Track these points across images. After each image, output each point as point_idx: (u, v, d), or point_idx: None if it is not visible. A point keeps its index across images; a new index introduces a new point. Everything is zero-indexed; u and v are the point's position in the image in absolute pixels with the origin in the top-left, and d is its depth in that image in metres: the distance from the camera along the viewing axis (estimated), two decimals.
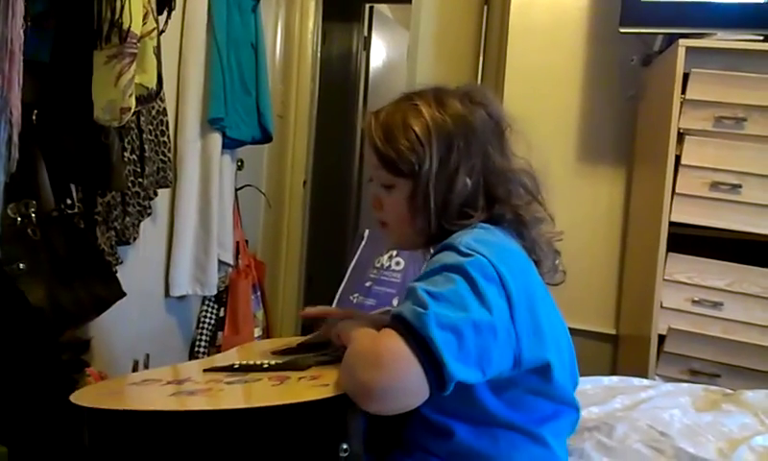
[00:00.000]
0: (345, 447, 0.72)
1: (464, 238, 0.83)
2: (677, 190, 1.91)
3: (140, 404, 0.86)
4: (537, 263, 0.93)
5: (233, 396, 0.85)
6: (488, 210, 0.90)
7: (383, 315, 1.03)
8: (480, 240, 0.83)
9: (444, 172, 0.89)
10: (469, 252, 0.80)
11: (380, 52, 3.83)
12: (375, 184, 0.96)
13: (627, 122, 2.36)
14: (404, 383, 0.72)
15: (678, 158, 1.91)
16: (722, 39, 1.94)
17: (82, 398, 0.79)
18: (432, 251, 0.93)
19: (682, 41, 1.90)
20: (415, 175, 0.90)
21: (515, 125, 0.96)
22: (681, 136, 1.92)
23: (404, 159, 0.90)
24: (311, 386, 0.81)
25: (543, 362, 0.84)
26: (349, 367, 0.76)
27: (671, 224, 1.92)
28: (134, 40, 1.21)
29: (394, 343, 0.73)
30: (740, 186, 1.87)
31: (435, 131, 0.89)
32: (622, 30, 2.07)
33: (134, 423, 0.76)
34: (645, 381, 1.50)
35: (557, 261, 0.96)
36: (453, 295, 0.75)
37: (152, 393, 0.88)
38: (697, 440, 1.14)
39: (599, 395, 1.36)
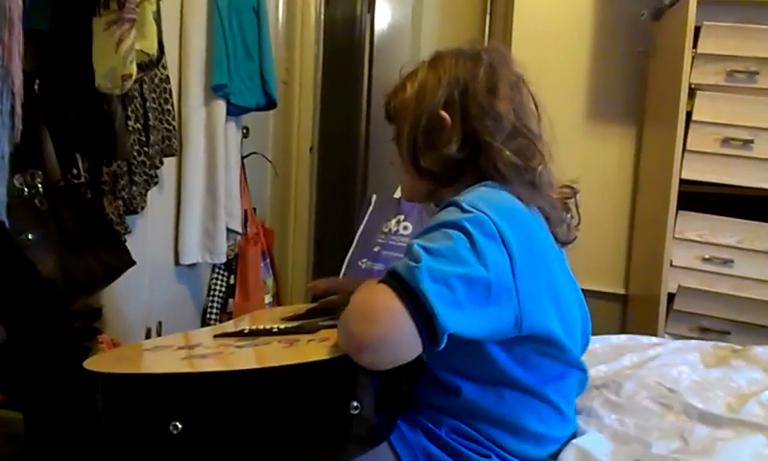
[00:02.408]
0: (355, 404, 0.73)
1: (468, 196, 0.83)
2: (688, 147, 1.89)
3: (152, 369, 0.87)
4: (547, 220, 0.92)
5: (244, 358, 0.87)
6: (472, 151, 0.91)
7: None
8: (483, 198, 0.82)
9: (419, 107, 0.94)
10: (471, 209, 0.79)
11: (385, 14, 3.76)
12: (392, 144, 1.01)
13: (637, 78, 2.33)
14: (396, 337, 0.73)
15: (689, 115, 1.89)
16: None
17: (94, 364, 0.81)
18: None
19: None
20: (397, 116, 0.98)
21: (524, 77, 0.96)
22: (692, 92, 1.89)
23: (392, 106, 0.99)
24: (321, 347, 0.82)
25: (546, 331, 0.84)
26: (343, 321, 0.77)
27: (682, 181, 1.90)
28: (133, 5, 1.19)
29: (385, 296, 0.73)
30: (752, 142, 1.85)
31: (422, 86, 0.95)
32: None
33: (147, 386, 0.77)
34: (654, 339, 1.51)
35: (567, 215, 0.96)
36: (449, 251, 0.75)
37: (164, 358, 0.89)
38: (705, 395, 1.14)
39: (607, 353, 1.37)
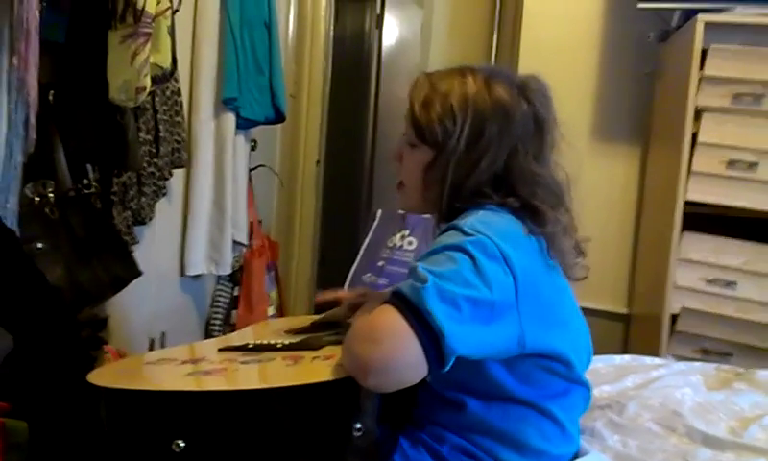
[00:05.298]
0: (358, 426, 0.73)
1: (468, 220, 0.83)
2: (693, 169, 1.89)
3: (157, 384, 0.87)
4: (563, 265, 0.91)
5: (248, 376, 0.86)
6: (504, 199, 0.88)
7: None
8: (484, 221, 0.83)
9: (468, 155, 0.88)
10: (472, 232, 0.80)
11: (393, 30, 3.80)
12: (403, 139, 0.96)
13: (643, 99, 2.34)
14: (402, 358, 0.72)
15: (695, 136, 1.89)
16: (741, 14, 1.90)
17: (99, 377, 0.80)
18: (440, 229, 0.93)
19: (700, 16, 1.87)
20: (438, 147, 0.90)
21: (561, 130, 0.94)
22: (698, 114, 1.89)
23: (432, 129, 0.90)
24: (325, 366, 0.82)
25: (550, 349, 0.84)
26: (348, 343, 0.76)
27: (686, 203, 1.90)
28: (149, 20, 1.21)
29: (391, 318, 0.72)
30: (757, 165, 1.85)
31: (472, 109, 0.88)
32: (640, 5, 2.04)
33: (151, 403, 0.76)
34: (657, 360, 1.50)
35: (578, 259, 0.95)
36: (454, 273, 0.75)
37: (168, 372, 0.89)
38: (709, 418, 1.14)
39: (611, 374, 1.37)
